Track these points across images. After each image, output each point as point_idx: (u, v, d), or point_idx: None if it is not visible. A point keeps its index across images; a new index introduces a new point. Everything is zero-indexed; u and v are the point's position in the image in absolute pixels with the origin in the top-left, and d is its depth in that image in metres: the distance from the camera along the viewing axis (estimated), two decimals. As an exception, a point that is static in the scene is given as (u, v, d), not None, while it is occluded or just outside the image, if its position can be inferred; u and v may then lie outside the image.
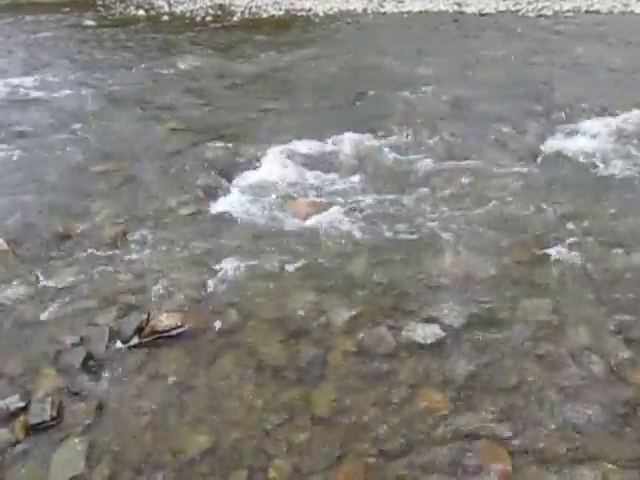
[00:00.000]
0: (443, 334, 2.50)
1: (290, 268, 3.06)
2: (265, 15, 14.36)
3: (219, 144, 4.93)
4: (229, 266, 3.09)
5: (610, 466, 1.93)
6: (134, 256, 3.27)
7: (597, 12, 12.05)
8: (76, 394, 2.33)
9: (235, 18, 14.04)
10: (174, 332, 2.63)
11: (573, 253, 3.06)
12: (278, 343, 2.55)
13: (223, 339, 2.61)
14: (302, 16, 13.68)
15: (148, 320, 2.67)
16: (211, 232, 3.52)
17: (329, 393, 2.27)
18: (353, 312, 2.68)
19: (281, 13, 14.53)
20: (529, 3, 13.19)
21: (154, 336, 2.61)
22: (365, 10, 13.70)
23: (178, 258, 3.22)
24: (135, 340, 2.60)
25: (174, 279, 3.02)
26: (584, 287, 2.81)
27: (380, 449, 2.03)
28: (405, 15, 12.80)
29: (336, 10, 14.06)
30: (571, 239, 3.20)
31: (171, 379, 2.40)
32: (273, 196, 3.84)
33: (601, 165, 4.16)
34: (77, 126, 5.65)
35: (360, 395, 2.25)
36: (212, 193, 4.05)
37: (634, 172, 4.03)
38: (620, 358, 2.36)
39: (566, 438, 2.03)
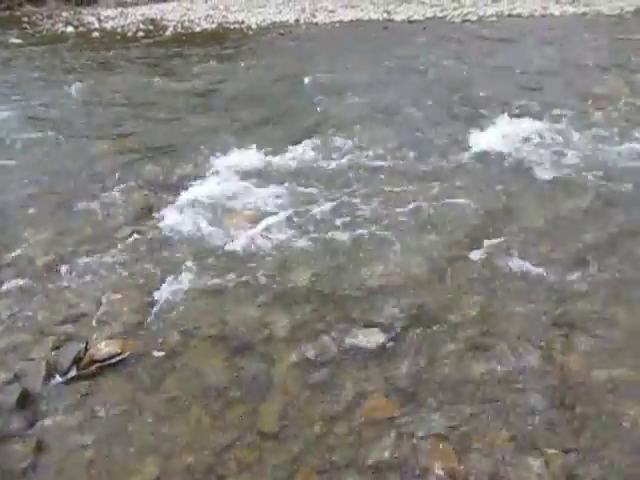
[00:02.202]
0: (385, 338, 2.54)
1: (231, 284, 3.04)
2: (198, 29, 14.27)
3: (155, 162, 4.86)
4: (169, 286, 3.04)
5: (551, 451, 2.01)
6: (69, 284, 3.16)
7: (519, 15, 12.62)
8: (12, 436, 2.22)
9: (168, 33, 13.88)
10: (114, 360, 2.55)
11: (501, 248, 3.18)
12: (222, 361, 2.53)
13: (166, 362, 2.55)
14: (235, 29, 13.68)
15: (86, 350, 2.59)
16: (149, 253, 3.45)
17: (276, 408, 2.26)
18: (296, 323, 2.68)
19: (214, 26, 14.48)
20: (455, 9, 13.68)
21: (94, 366, 2.53)
22: (297, 21, 13.84)
23: (116, 282, 3.14)
24: (74, 372, 2.51)
25: (112, 305, 2.94)
26: (514, 280, 2.92)
27: (330, 460, 2.04)
28: (337, 24, 13.02)
29: (269, 22, 14.14)
30: (498, 235, 3.33)
31: (114, 409, 2.33)
32: (211, 212, 3.81)
33: (521, 162, 4.34)
34: (4, 148, 5.43)
35: (307, 407, 2.26)
36: (149, 213, 3.97)
37: (552, 168, 4.22)
38: (552, 345, 2.46)
39: (509, 429, 2.10)
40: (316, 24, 13.41)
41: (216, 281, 3.07)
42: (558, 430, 2.09)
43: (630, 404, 2.17)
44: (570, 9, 13.09)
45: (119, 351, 2.58)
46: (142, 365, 2.54)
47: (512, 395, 2.22)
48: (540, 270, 2.99)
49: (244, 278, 3.08)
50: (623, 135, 4.82)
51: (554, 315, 2.66)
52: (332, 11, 15.07)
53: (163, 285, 3.06)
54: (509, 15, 12.73)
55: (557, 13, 12.74)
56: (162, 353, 2.60)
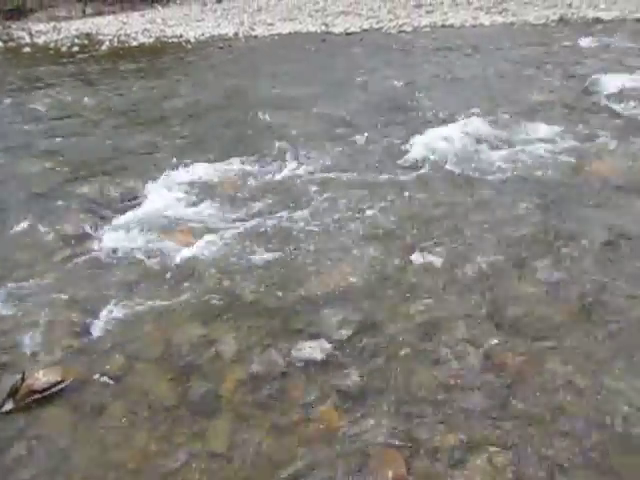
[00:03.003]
0: (331, 348, 2.56)
1: (176, 302, 2.99)
2: (135, 43, 14.02)
3: (91, 181, 4.73)
4: (110, 309, 2.96)
5: (494, 449, 2.07)
6: (4, 311, 3.03)
7: (451, 26, 13.08)
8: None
9: (103, 47, 13.58)
10: (55, 389, 2.46)
11: (442, 254, 3.27)
12: (168, 382, 2.48)
13: (110, 387, 2.48)
14: (173, 43, 13.53)
15: (23, 380, 2.48)
16: (89, 274, 3.35)
17: (224, 427, 2.24)
18: (241, 339, 2.66)
19: (151, 40, 14.27)
20: (390, 20, 14.03)
21: (32, 397, 2.43)
22: (236, 34, 13.83)
23: (53, 307, 3.03)
24: (10, 405, 2.40)
25: (50, 331, 2.84)
26: (455, 285, 3.01)
27: (280, 477, 2.03)
28: (276, 37, 13.10)
29: (208, 35, 14.07)
30: (438, 241, 3.43)
31: (56, 441, 2.24)
32: (153, 229, 3.74)
33: (459, 169, 4.49)
34: None
35: (256, 423, 2.24)
36: (88, 233, 3.86)
37: (489, 173, 4.39)
38: (493, 346, 2.55)
39: (454, 430, 2.16)
40: (255, 37, 13.44)
41: (159, 301, 3.01)
42: (501, 428, 2.16)
43: (569, 399, 2.26)
44: (499, 19, 13.67)
45: (59, 379, 2.48)
46: (85, 392, 2.46)
47: (456, 397, 2.28)
48: (480, 274, 3.10)
49: (187, 296, 3.04)
50: (556, 139, 5.06)
51: (494, 317, 2.76)
52: (271, 24, 15.14)
53: (103, 308, 2.98)
54: (442, 26, 13.16)
55: (487, 23, 13.28)
56: (105, 378, 2.53)
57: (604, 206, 3.83)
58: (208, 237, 3.56)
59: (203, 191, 4.31)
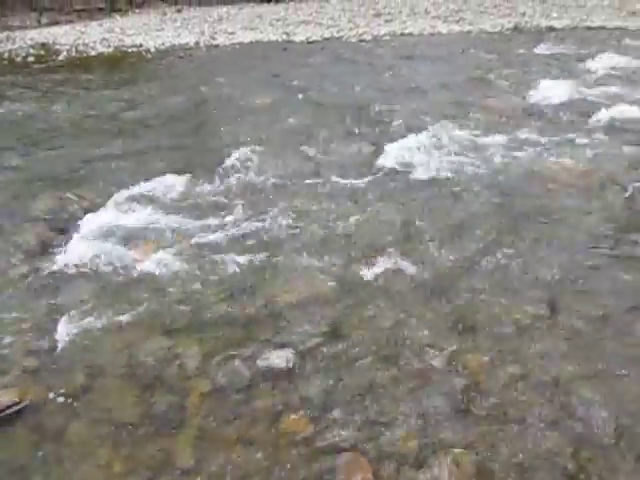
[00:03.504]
0: (297, 356, 2.57)
1: (138, 316, 2.95)
2: (93, 53, 13.77)
3: (51, 194, 4.60)
4: (71, 325, 2.89)
5: (458, 450, 2.11)
6: (-43, 332, 2.93)
7: (410, 34, 13.31)
8: None
9: (61, 57, 13.28)
10: (12, 410, 2.39)
11: (405, 259, 3.32)
12: (132, 398, 2.44)
13: (71, 406, 2.42)
14: (133, 52, 13.34)
15: (-22, 402, 2.40)
16: (48, 290, 3.27)
17: (190, 440, 2.22)
18: (206, 351, 2.64)
19: (110, 50, 14.03)
20: (350, 29, 14.18)
21: (-12, 419, 2.35)
22: (197, 43, 13.73)
23: (10, 325, 2.94)
24: (-35, 428, 2.32)
25: (7, 350, 2.75)
26: (417, 289, 3.06)
27: (248, 486, 2.02)
28: (237, 46, 13.06)
29: (168, 45, 13.92)
30: (401, 246, 3.48)
31: (14, 465, 2.17)
32: (113, 243, 3.67)
33: (421, 175, 4.57)
34: None
35: (222, 435, 2.23)
36: (47, 248, 3.77)
37: (450, 179, 4.49)
38: (455, 348, 2.60)
39: (419, 433, 2.19)
40: (216, 46, 13.37)
41: (122, 315, 2.96)
42: (465, 429, 2.20)
43: (530, 398, 2.33)
44: (456, 27, 13.99)
45: (17, 400, 2.41)
46: (44, 413, 2.39)
47: (421, 401, 2.32)
48: (441, 277, 3.16)
49: (151, 309, 3.00)
50: (512, 145, 5.20)
51: (457, 320, 2.81)
52: (232, 33, 15.09)
53: (64, 324, 2.91)
54: (401, 34, 13.38)
55: (445, 31, 13.57)
56: (67, 397, 2.46)
57: (558, 208, 3.95)
58: (171, 248, 3.52)
59: (165, 202, 4.26)
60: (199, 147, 5.71)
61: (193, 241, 3.64)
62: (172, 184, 4.54)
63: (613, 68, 8.50)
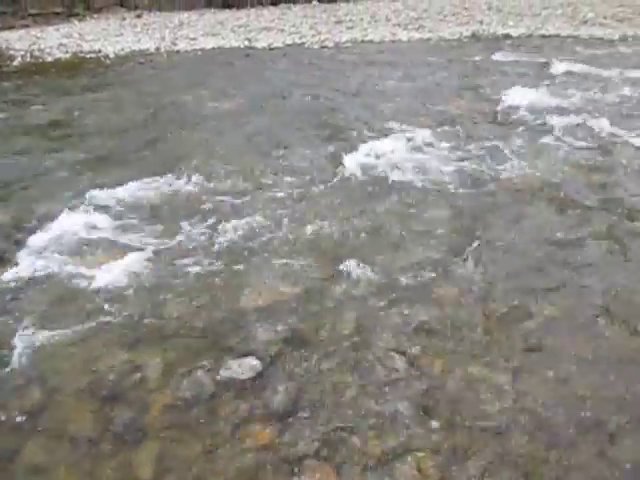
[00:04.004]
0: (260, 364, 2.55)
1: (97, 328, 2.87)
2: (50, 59, 13.43)
3: (4, 203, 4.47)
4: (25, 340, 2.80)
5: (421, 454, 2.13)
6: None
7: (371, 41, 13.46)
8: None
9: (15, 63, 12.90)
10: (-38, 430, 2.29)
11: (368, 264, 3.34)
12: (90, 413, 2.37)
13: (26, 425, 2.34)
14: (92, 58, 13.08)
15: None
16: (2, 303, 3.16)
17: (152, 454, 2.17)
18: (168, 362, 2.60)
19: (68, 56, 13.71)
20: (313, 36, 14.25)
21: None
22: (158, 49, 13.56)
23: (-39, 342, 2.83)
24: None
25: (-42, 368, 2.65)
26: (380, 294, 3.08)
27: (211, 499, 1.99)
28: (199, 52, 12.95)
29: (128, 50, 13.69)
30: (365, 251, 3.50)
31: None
32: (71, 252, 3.58)
33: (384, 181, 4.61)
34: None
35: (185, 448, 2.19)
36: (1, 259, 3.64)
37: (412, 184, 4.54)
38: (417, 352, 2.62)
39: (382, 437, 2.20)
40: (178, 52, 13.23)
41: (79, 328, 2.88)
42: (427, 432, 2.22)
43: (489, 399, 2.36)
44: (416, 35, 14.21)
45: (-32, 420, 2.32)
46: (-3, 431, 2.31)
47: (383, 405, 2.33)
48: (404, 281, 3.19)
49: (110, 321, 2.93)
50: (471, 149, 5.31)
51: (419, 323, 2.84)
52: (193, 39, 14.95)
53: (18, 339, 2.81)
54: (362, 41, 13.52)
55: (405, 39, 13.76)
56: (21, 415, 2.38)
57: (517, 213, 4.05)
58: (130, 258, 3.45)
59: (123, 211, 4.18)
60: (159, 154, 5.63)
61: (152, 250, 3.58)
62: (130, 192, 4.46)
63: (567, 74, 8.78)
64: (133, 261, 3.41)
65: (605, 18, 16.21)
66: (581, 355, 2.60)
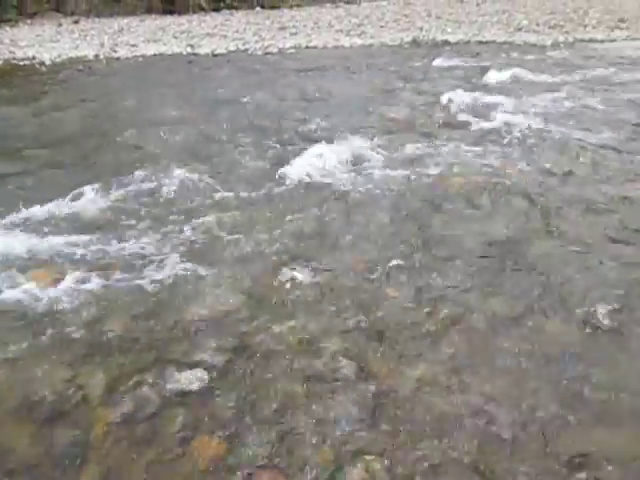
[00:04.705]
0: (208, 376, 2.51)
1: (36, 347, 2.75)
2: (-21, 66, 12.84)
3: None
4: (-42, 362, 2.66)
5: (370, 457, 2.14)
6: None
7: (315, 47, 13.59)
8: None
9: (-59, 72, 12.27)
10: None
11: (315, 270, 3.36)
12: (30, 436, 2.27)
13: (-41, 452, 2.22)
14: (25, 65, 12.59)
15: None
16: None
17: (96, 475, 2.09)
18: (111, 379, 2.51)
19: (0, 63, 13.16)
20: (256, 42, 14.25)
21: None
22: (97, 56, 13.21)
23: None
24: None
25: None
26: (329, 299, 3.09)
27: (159, 516, 1.94)
28: (140, 59, 12.71)
29: (65, 57, 13.27)
30: (311, 257, 3.51)
31: None
32: (8, 269, 3.42)
33: (330, 186, 4.65)
34: None
35: (131, 466, 2.12)
36: None
37: (358, 189, 4.60)
38: (365, 355, 2.65)
39: (331, 443, 2.20)
40: (118, 59, 12.93)
41: (17, 347, 2.76)
42: (377, 436, 2.23)
43: (435, 399, 2.41)
44: (358, 41, 14.45)
45: None
46: None
47: (333, 410, 2.34)
48: (352, 287, 3.22)
49: (51, 339, 2.82)
50: (415, 153, 5.43)
51: (367, 328, 2.86)
52: (134, 45, 14.65)
53: (-51, 362, 2.67)
54: (306, 47, 13.64)
55: (347, 45, 13.98)
56: (-47, 443, 2.26)
57: (463, 216, 4.15)
58: (70, 273, 3.32)
59: (63, 224, 4.03)
60: (100, 164, 5.47)
61: (94, 263, 3.47)
62: (71, 204, 4.32)
63: (503, 79, 9.12)
64: (74, 276, 3.28)
65: (538, 25, 16.97)
66: (523, 350, 2.68)
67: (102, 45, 14.87)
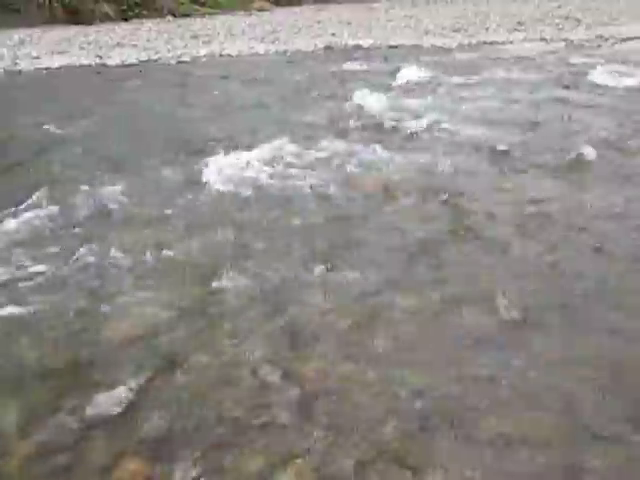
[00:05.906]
0: (131, 396, 2.43)
1: (-62, 384, 2.57)
2: None
3: None
4: None
5: (300, 461, 2.14)
6: None
7: (229, 55, 13.53)
8: None
9: None
10: None
11: (238, 277, 3.33)
12: (-64, 480, 2.11)
13: None
14: None
15: None
16: None
17: (12, 512, 1.98)
18: (27, 407, 2.38)
19: None
20: (169, 51, 13.98)
21: None
22: (-5, 69, 12.49)
23: None
24: None
25: None
26: (253, 306, 3.09)
27: None
28: (44, 72, 12.13)
29: (-41, 72, 12.44)
30: (235, 264, 3.48)
31: None
32: None
33: (252, 191, 4.65)
34: None
35: (51, 498, 2.03)
36: None
37: (278, 193, 4.63)
38: (290, 360, 2.66)
39: (260, 451, 2.17)
40: (19, 72, 12.27)
41: None
42: (306, 440, 2.23)
43: (361, 396, 2.45)
44: (273, 48, 14.53)
45: None
46: None
47: (261, 418, 2.32)
48: (276, 292, 3.22)
49: (-45, 373, 2.63)
50: (331, 156, 5.52)
51: (291, 332, 2.87)
52: (37, 57, 13.95)
53: None
54: (220, 55, 13.54)
55: (262, 52, 14.02)
56: None
57: (382, 217, 4.25)
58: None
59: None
60: (10, 182, 5.18)
61: (3, 286, 3.28)
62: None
63: (413, 80, 9.48)
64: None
65: (444, 29, 17.77)
66: (440, 342, 2.79)
67: (2, 58, 14.07)
